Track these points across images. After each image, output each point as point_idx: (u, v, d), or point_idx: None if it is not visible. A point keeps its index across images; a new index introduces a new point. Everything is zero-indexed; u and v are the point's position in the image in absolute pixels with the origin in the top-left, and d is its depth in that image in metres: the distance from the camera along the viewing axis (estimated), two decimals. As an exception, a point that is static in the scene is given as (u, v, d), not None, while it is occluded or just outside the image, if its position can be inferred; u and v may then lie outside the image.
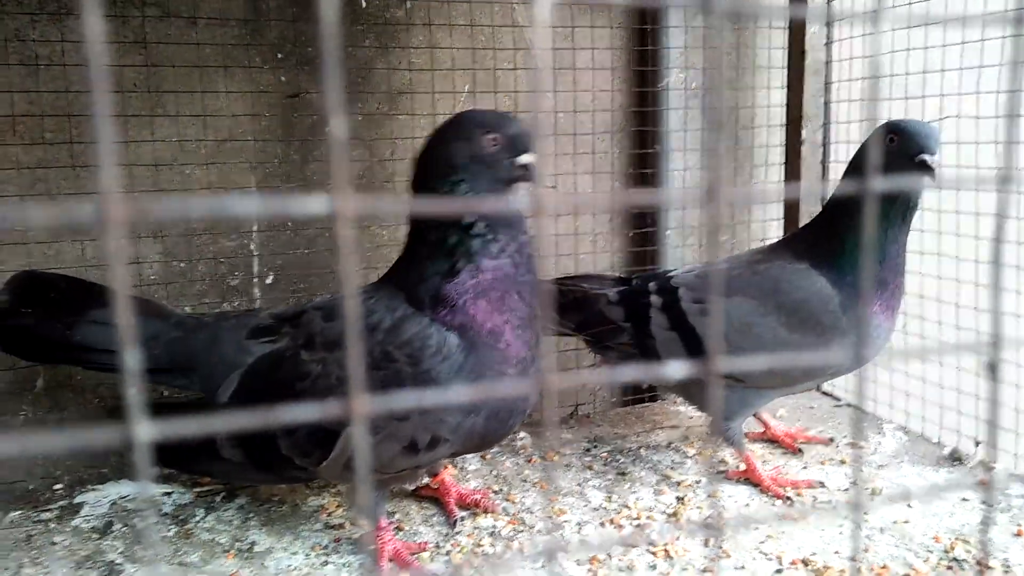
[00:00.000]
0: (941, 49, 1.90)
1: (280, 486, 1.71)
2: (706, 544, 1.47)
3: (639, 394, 2.31)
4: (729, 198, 0.48)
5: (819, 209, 1.78)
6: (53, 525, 1.62)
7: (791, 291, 1.61)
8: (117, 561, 1.48)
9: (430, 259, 1.35)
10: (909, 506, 1.60)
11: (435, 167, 1.34)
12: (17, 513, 1.67)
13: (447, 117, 1.40)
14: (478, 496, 1.64)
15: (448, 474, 1.69)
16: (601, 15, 2.13)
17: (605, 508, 1.64)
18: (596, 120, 2.17)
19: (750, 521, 1.56)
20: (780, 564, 1.42)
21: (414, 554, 1.47)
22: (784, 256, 1.68)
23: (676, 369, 0.50)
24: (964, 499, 1.62)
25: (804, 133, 2.18)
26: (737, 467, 1.76)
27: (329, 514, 1.63)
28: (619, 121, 2.22)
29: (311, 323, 1.42)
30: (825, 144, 2.21)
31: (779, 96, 2.24)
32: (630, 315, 1.76)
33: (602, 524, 1.57)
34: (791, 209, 2.24)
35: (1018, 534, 1.49)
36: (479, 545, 1.51)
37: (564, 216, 2.18)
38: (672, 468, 1.81)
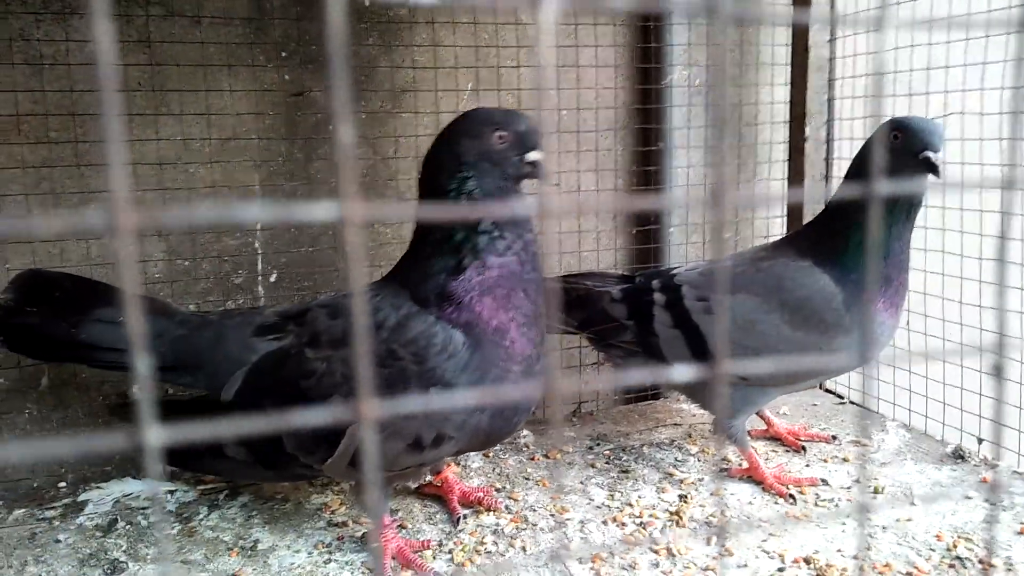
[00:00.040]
0: (945, 46, 1.90)
1: (283, 484, 1.72)
2: (708, 542, 1.48)
3: (642, 392, 2.31)
4: (734, 202, 0.48)
5: (823, 207, 1.77)
6: (57, 523, 1.63)
7: (795, 288, 1.61)
8: (120, 559, 1.49)
9: (436, 256, 1.35)
10: (912, 504, 1.61)
11: (444, 164, 1.34)
12: (21, 511, 1.68)
13: (452, 115, 1.40)
14: (481, 494, 1.64)
15: (451, 472, 1.69)
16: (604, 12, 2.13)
17: (608, 506, 1.64)
18: (599, 117, 2.17)
19: (753, 520, 1.56)
20: (783, 562, 1.42)
21: (417, 552, 1.47)
22: (788, 253, 1.68)
23: (683, 373, 0.51)
24: (967, 497, 1.62)
25: (808, 130, 2.17)
26: (740, 465, 1.76)
27: (332, 512, 1.63)
28: (622, 118, 2.22)
29: (316, 321, 1.42)
30: (829, 141, 2.21)
31: (783, 93, 2.23)
32: (633, 313, 1.76)
33: (605, 522, 1.58)
34: (795, 207, 2.24)
35: (1021, 532, 1.49)
36: (482, 543, 1.51)
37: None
38: (675, 466, 1.81)
